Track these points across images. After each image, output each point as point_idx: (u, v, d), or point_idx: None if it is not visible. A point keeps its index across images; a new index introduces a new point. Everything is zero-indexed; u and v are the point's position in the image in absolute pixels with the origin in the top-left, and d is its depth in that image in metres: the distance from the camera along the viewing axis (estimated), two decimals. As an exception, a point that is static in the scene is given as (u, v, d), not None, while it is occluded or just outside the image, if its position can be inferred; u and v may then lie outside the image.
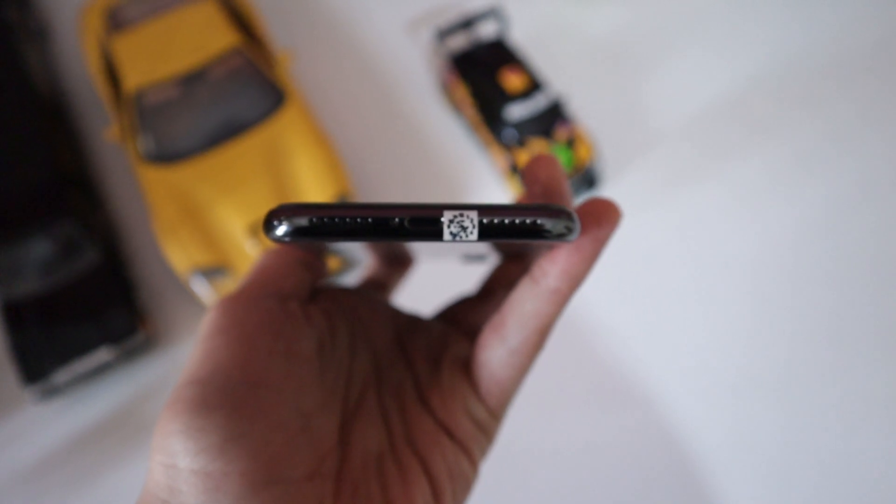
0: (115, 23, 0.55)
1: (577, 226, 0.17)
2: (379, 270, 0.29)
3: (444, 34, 0.58)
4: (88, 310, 0.46)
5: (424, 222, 0.16)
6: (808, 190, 0.55)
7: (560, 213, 0.16)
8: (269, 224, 0.16)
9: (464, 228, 0.16)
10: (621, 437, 0.46)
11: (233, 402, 0.18)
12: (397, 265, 0.29)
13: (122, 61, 0.52)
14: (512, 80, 0.54)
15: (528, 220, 0.16)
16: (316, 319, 0.21)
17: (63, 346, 0.45)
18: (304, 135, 0.51)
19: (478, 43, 0.58)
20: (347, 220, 0.16)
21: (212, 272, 0.48)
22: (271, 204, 0.49)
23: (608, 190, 0.55)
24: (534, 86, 0.54)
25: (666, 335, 0.49)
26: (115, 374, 0.49)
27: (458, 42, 0.61)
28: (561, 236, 0.16)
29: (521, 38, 0.63)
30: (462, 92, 0.56)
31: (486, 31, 0.63)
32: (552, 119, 0.53)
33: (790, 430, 0.46)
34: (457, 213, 0.16)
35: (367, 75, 0.62)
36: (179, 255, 0.48)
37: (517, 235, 0.16)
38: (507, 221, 0.16)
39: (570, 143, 0.53)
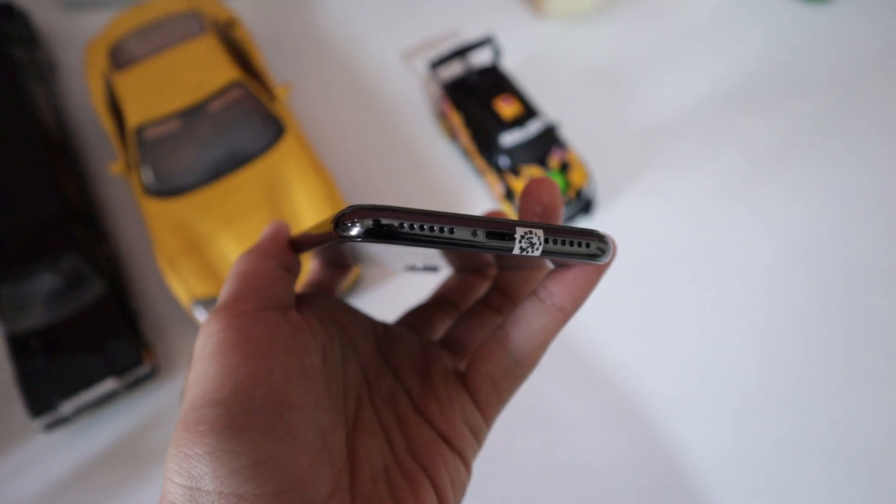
0: (119, 59, 0.57)
1: (611, 251, 0.19)
2: (322, 273, 0.28)
3: (436, 64, 0.59)
4: (94, 341, 0.47)
5: (500, 237, 0.17)
6: (806, 200, 0.55)
7: (605, 239, 0.19)
8: (341, 223, 0.16)
9: (532, 244, 0.17)
10: (617, 452, 0.46)
11: (261, 424, 0.17)
12: (339, 269, 0.29)
13: (124, 98, 0.54)
14: (505, 108, 0.55)
15: (583, 243, 0.18)
16: (316, 330, 0.22)
17: (69, 378, 0.46)
18: (303, 166, 0.52)
19: (472, 70, 0.59)
20: (425, 226, 0.16)
21: (213, 302, 0.49)
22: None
23: (603, 214, 0.56)
24: (527, 113, 0.55)
25: (659, 350, 0.50)
26: (121, 403, 0.50)
27: (453, 70, 0.62)
28: (595, 257, 0.19)
29: (514, 65, 0.64)
30: (457, 120, 0.58)
31: (480, 58, 0.64)
32: (546, 145, 0.54)
33: (785, 445, 0.46)
34: (527, 230, 0.17)
35: (364, 106, 0.64)
36: (181, 285, 0.49)
37: (570, 254, 0.18)
38: (566, 241, 0.18)
39: (564, 168, 0.54)
